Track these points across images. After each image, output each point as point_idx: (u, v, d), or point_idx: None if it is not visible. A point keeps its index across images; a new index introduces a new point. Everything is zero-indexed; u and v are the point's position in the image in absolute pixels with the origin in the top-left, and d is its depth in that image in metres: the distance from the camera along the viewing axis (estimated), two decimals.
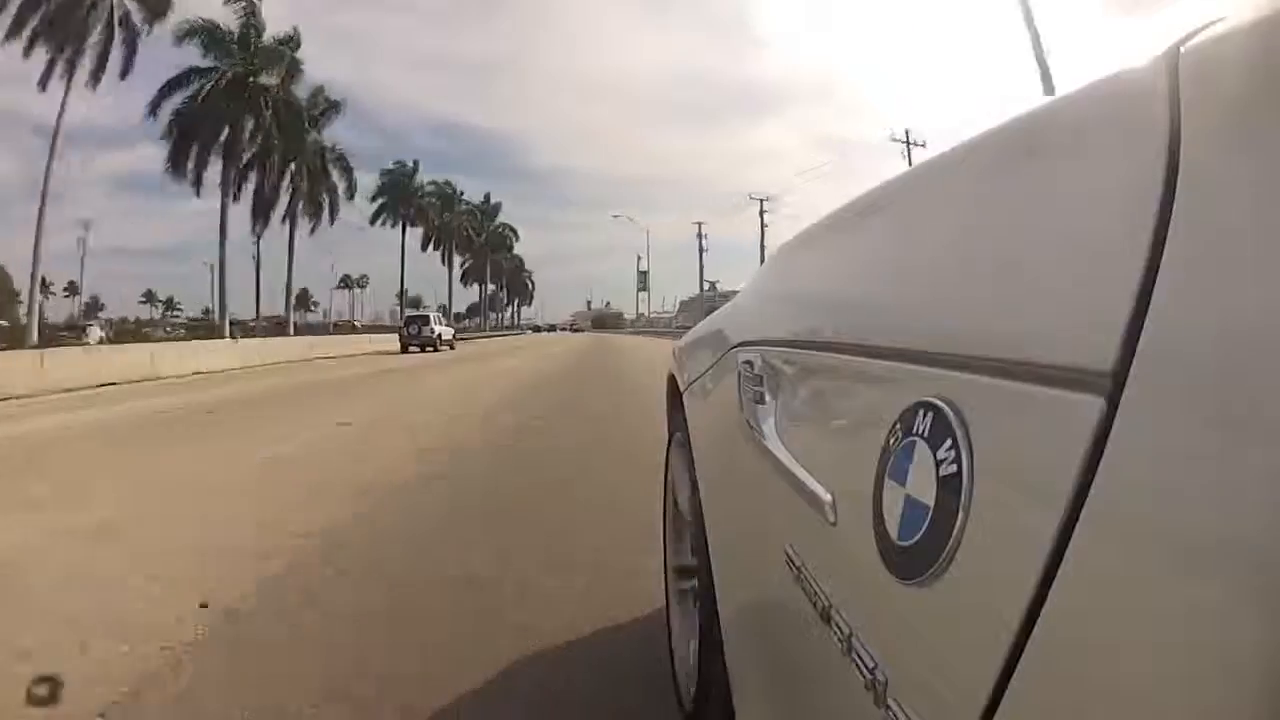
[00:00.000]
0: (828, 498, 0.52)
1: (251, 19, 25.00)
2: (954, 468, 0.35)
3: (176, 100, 24.24)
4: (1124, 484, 0.26)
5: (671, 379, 1.57)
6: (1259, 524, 0.21)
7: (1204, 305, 0.26)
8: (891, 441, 0.42)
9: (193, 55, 24.24)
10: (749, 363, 0.85)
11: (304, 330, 36.11)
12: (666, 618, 1.51)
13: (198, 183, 24.87)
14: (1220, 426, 0.24)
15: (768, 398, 0.75)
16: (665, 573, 1.60)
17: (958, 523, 0.34)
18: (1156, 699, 0.24)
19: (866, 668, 0.41)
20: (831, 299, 0.73)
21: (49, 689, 1.46)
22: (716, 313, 1.45)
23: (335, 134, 30.83)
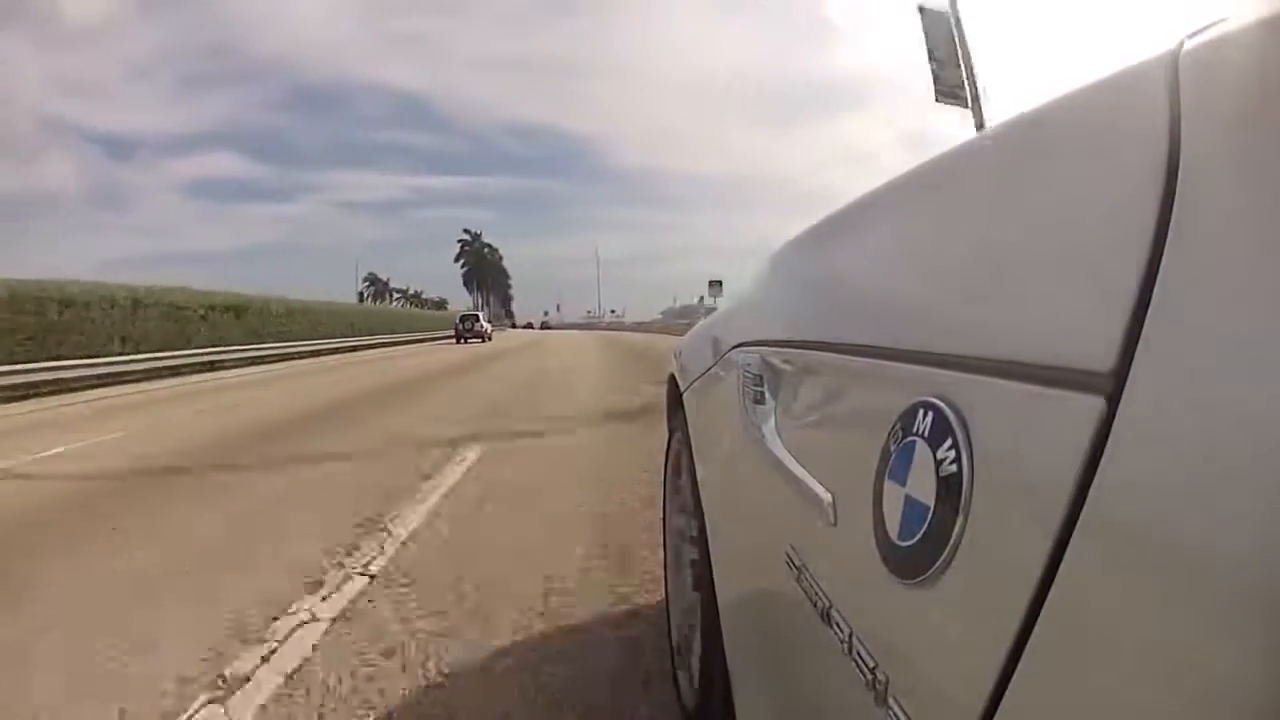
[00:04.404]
0: (828, 498, 0.52)
1: None
2: (954, 468, 0.35)
3: None
4: (1124, 484, 0.26)
5: (672, 379, 1.57)
6: (1258, 524, 0.21)
7: (1204, 305, 0.26)
8: (891, 442, 0.42)
9: None
10: (749, 363, 0.85)
11: None
12: (666, 617, 1.51)
13: None
14: (1220, 426, 0.24)
15: (767, 398, 0.75)
16: (664, 573, 1.60)
17: (958, 523, 0.34)
18: (1156, 699, 0.24)
19: (867, 668, 0.41)
20: (831, 299, 0.73)
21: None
22: (716, 313, 1.45)
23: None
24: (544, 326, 76.74)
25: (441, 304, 74.21)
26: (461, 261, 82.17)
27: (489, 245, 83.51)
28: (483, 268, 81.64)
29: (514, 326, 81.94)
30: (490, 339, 30.53)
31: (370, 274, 78.42)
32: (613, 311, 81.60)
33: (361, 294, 52.95)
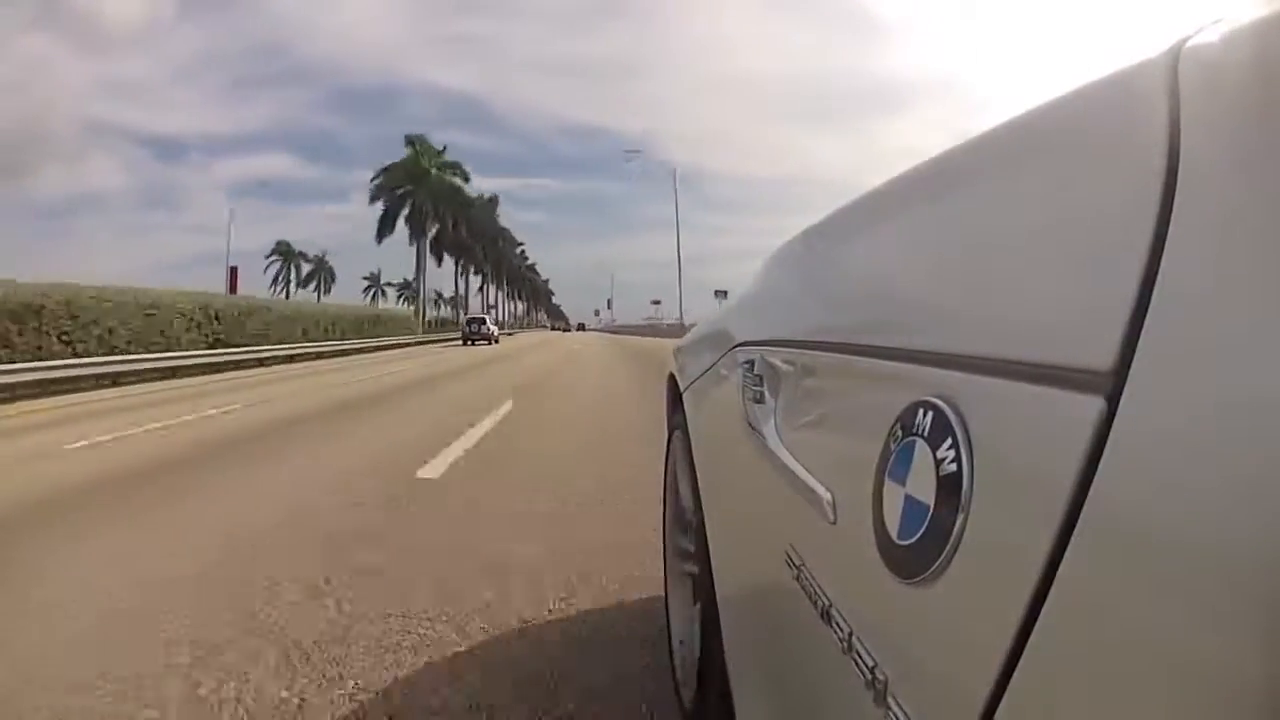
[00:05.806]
0: (828, 497, 0.52)
1: None
2: (954, 467, 0.35)
3: None
4: (1124, 483, 0.26)
5: (672, 378, 1.58)
6: (1259, 524, 0.21)
7: (1204, 305, 0.26)
8: (891, 441, 0.42)
9: None
10: (749, 362, 0.85)
11: None
12: (666, 617, 1.51)
13: None
14: (1220, 426, 0.24)
15: (768, 397, 0.75)
16: (664, 572, 1.60)
17: (958, 522, 0.34)
18: (1156, 699, 0.24)
19: (866, 667, 0.41)
20: (831, 298, 0.73)
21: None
22: (716, 312, 1.45)
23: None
24: (580, 328, 73.63)
25: (455, 303, 70.77)
26: (379, 183, 38.91)
27: (453, 166, 40.85)
28: (421, 197, 38.66)
29: (552, 328, 77.60)
30: (497, 341, 30.42)
31: (281, 243, 50.19)
32: (722, 292, 53.04)
33: (233, 271, 31.42)
